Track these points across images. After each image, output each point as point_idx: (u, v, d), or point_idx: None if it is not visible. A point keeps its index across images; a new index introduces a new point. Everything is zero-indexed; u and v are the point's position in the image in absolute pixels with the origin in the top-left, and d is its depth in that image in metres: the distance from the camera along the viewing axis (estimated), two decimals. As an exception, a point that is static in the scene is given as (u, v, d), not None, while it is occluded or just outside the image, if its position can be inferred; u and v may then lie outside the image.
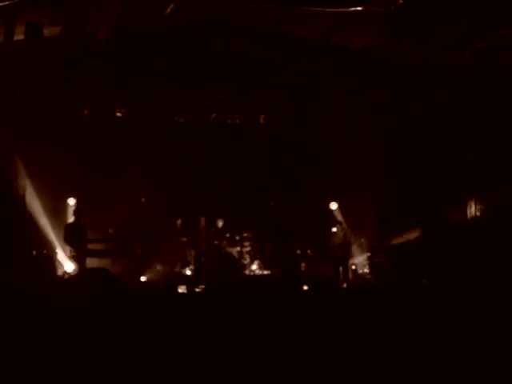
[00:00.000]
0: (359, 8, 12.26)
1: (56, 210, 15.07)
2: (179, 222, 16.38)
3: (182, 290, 12.47)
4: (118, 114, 15.67)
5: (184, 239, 16.44)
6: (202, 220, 16.77)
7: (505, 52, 13.39)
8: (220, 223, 16.45)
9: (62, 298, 3.57)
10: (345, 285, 14.76)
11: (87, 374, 3.62)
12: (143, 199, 16.32)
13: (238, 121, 16.49)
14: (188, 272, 15.84)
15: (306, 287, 9.15)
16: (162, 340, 4.42)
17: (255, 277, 15.33)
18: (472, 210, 14.72)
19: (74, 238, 14.30)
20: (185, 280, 14.72)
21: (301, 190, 17.06)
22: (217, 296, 6.27)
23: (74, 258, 14.16)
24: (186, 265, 16.04)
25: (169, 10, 12.51)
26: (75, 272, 13.70)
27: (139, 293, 9.66)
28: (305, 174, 16.99)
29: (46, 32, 12.71)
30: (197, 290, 12.01)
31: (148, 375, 3.91)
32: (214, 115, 16.36)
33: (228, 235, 16.23)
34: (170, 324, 4.72)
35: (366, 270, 16.29)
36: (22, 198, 14.09)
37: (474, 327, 5.38)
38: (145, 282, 14.97)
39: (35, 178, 14.56)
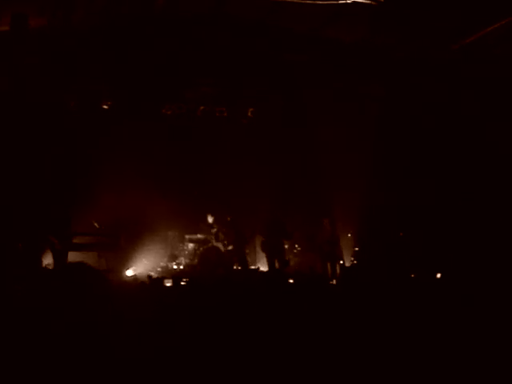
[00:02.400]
0: (349, 1, 12.21)
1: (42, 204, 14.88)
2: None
3: (168, 283, 12.39)
4: (105, 107, 15.51)
5: (171, 233, 16.36)
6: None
7: (493, 46, 13.36)
8: (210, 218, 16.39)
9: (42, 292, 3.45)
10: (334, 281, 14.67)
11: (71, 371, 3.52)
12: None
13: (225, 114, 16.36)
14: (175, 266, 15.76)
15: (291, 281, 9.07)
16: (145, 332, 4.33)
17: (241, 271, 15.26)
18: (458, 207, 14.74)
19: (57, 230, 14.15)
20: (171, 274, 14.63)
21: (289, 184, 16.99)
22: (200, 289, 6.20)
23: (56, 251, 13.97)
24: (173, 259, 15.97)
25: (160, 1, 12.43)
26: (54, 266, 13.53)
27: (122, 286, 9.56)
28: (293, 168, 16.93)
29: (32, 23, 12.57)
30: (182, 283, 11.91)
31: (131, 367, 3.81)
32: (201, 108, 16.22)
33: (215, 230, 16.15)
34: (151, 316, 4.63)
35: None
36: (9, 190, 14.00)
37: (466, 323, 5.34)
38: (131, 276, 14.86)
39: (20, 170, 14.42)
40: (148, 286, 10.04)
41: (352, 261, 16.41)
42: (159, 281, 12.03)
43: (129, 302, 5.36)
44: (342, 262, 16.38)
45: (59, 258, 13.62)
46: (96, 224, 15.23)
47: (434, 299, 6.57)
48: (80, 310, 3.18)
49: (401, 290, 8.21)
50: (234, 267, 15.46)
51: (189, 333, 4.49)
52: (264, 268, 15.47)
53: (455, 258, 13.65)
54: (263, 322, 4.74)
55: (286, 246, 16.22)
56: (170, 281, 12.30)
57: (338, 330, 4.93)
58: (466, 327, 5.16)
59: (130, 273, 15.23)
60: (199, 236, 16.25)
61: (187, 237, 16.29)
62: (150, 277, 13.03)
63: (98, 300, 3.32)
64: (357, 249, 16.23)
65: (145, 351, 4.02)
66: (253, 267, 16.00)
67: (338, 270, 15.62)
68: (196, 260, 15.78)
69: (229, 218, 16.11)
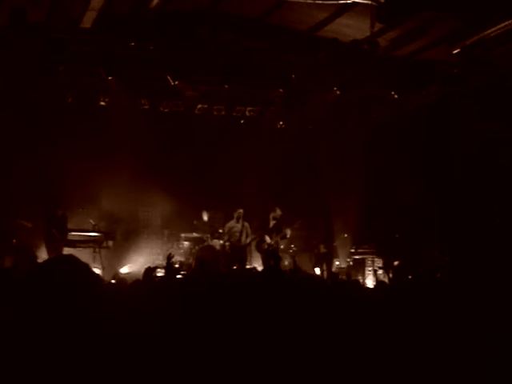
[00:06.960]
0: (349, 1, 12.15)
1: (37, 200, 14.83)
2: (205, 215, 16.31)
3: (160, 273, 12.33)
4: (102, 103, 15.44)
5: (167, 231, 16.32)
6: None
7: (494, 49, 13.33)
8: (205, 216, 16.36)
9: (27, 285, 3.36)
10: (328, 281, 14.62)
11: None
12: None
13: (223, 112, 16.30)
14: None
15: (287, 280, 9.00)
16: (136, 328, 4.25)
17: (236, 270, 15.22)
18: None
19: (55, 225, 14.17)
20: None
21: (285, 184, 16.99)
22: (196, 283, 6.11)
23: (52, 246, 13.93)
24: (168, 257, 15.89)
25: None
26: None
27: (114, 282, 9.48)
28: (289, 168, 16.93)
29: (30, 17, 12.48)
30: (178, 276, 11.84)
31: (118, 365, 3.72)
32: (199, 106, 16.15)
33: (211, 228, 16.13)
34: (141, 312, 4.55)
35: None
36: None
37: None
38: (126, 273, 14.81)
39: (16, 166, 14.45)
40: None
41: (348, 262, 16.38)
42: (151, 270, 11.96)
43: (119, 299, 5.28)
44: (337, 262, 16.38)
45: (55, 253, 13.58)
46: (91, 221, 15.16)
47: (433, 301, 6.51)
48: (67, 307, 3.08)
49: (398, 291, 8.16)
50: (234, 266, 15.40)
51: (183, 330, 4.41)
52: (260, 267, 15.44)
53: (452, 260, 13.64)
54: (261, 318, 4.67)
55: (282, 246, 16.20)
56: (163, 271, 12.20)
57: (334, 333, 4.86)
58: (465, 330, 5.09)
59: (125, 270, 15.19)
60: (195, 235, 16.21)
61: (183, 235, 16.24)
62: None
63: (88, 297, 3.22)
64: (353, 250, 16.20)
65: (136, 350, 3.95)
66: (248, 267, 15.97)
67: (333, 271, 15.62)
68: (191, 259, 15.74)
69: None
